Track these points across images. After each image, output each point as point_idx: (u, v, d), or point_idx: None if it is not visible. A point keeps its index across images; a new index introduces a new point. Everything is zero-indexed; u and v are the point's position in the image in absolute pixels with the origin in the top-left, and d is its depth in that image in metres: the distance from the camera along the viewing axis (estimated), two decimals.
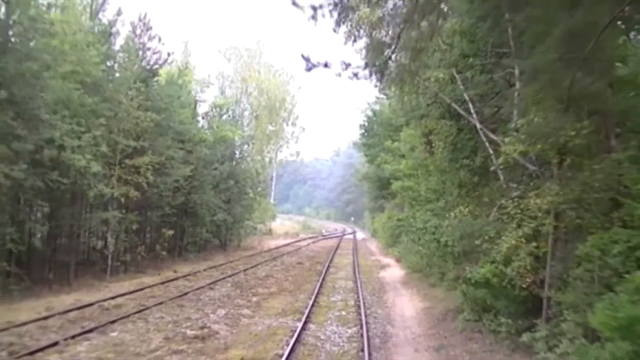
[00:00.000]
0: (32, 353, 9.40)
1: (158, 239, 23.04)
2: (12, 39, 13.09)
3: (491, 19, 9.20)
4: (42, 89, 13.40)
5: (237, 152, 33.44)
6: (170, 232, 23.15)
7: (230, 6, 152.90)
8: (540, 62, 7.14)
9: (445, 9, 8.91)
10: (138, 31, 20.31)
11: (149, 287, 17.56)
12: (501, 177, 11.63)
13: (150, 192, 19.87)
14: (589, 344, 6.71)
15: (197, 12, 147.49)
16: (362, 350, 10.55)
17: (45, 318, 12.19)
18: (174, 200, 22.32)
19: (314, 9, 7.51)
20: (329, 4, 7.55)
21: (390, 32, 8.68)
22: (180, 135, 21.98)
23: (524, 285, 8.99)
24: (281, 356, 9.80)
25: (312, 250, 38.34)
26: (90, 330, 11.30)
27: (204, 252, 29.02)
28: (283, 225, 65.54)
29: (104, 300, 14.75)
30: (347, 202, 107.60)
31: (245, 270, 23.43)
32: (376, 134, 33.31)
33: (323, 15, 7.60)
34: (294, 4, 7.34)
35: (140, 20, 20.13)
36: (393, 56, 8.49)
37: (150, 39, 20.62)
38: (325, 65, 8.17)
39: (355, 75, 9.70)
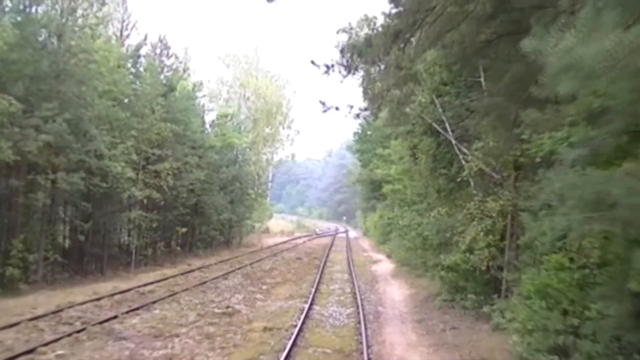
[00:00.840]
0: (100, 322, 11.95)
1: (172, 236, 25.60)
2: (67, 67, 15.55)
3: (461, 62, 11.85)
4: (89, 108, 15.89)
5: (240, 156, 36.04)
6: (184, 229, 25.73)
7: (228, 13, 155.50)
8: (492, 103, 9.77)
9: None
10: (158, 50, 22.88)
11: (172, 277, 20.11)
12: (472, 184, 14.34)
13: (169, 194, 22.44)
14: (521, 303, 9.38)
15: (196, 18, 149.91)
16: (359, 323, 13.20)
17: (97, 299, 14.75)
18: (188, 201, 24.92)
19: (327, 67, 10.12)
20: (339, 64, 10.18)
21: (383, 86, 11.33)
22: (194, 142, 24.60)
23: (483, 269, 11.70)
24: (296, 326, 12.41)
25: (309, 247, 40.98)
26: (137, 309, 13.87)
27: (211, 248, 31.60)
28: (278, 224, 68.10)
29: (138, 287, 17.30)
30: (339, 202, 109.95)
31: (251, 264, 26.03)
32: (369, 141, 36.14)
33: (334, 71, 10.24)
34: (313, 63, 9.94)
35: (160, 40, 22.72)
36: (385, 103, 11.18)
37: (168, 57, 23.23)
38: (337, 108, 10.84)
39: (357, 115, 12.67)
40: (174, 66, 23.53)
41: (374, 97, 11.55)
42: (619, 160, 5.19)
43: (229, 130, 32.06)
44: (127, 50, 21.81)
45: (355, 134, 39.61)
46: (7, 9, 14.38)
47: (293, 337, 11.17)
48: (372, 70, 11.10)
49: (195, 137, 24.51)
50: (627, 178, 4.51)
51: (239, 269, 24.01)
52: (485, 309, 11.88)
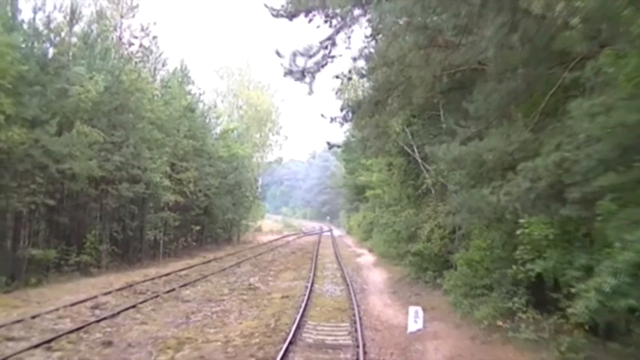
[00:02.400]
0: (166, 292, 16.65)
1: (188, 233, 30.23)
2: (127, 103, 20.11)
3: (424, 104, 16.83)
4: (139, 133, 20.52)
5: (240, 164, 40.75)
6: (197, 227, 30.39)
7: (218, 26, 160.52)
8: (448, 130, 14.81)
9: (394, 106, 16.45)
10: (179, 78, 27.50)
11: (196, 265, 24.81)
12: (432, 192, 19.39)
13: (189, 198, 27.12)
14: (457, 272, 14.37)
15: (189, 31, 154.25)
16: (350, 293, 18.10)
17: (151, 279, 19.42)
18: (202, 203, 29.60)
19: (332, 119, 15.21)
20: (340, 117, 15.19)
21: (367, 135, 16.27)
22: (208, 154, 29.31)
23: (439, 253, 16.74)
24: (304, 295, 17.24)
25: (299, 244, 45.82)
26: (185, 285, 18.61)
27: (217, 243, 36.31)
28: (266, 224, 72.73)
29: (175, 271, 21.98)
30: (323, 203, 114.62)
31: (255, 256, 30.81)
32: (354, 151, 41.14)
33: (335, 122, 15.25)
34: (322, 116, 14.81)
35: (181, 70, 27.35)
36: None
37: (189, 83, 27.87)
38: (338, 146, 15.52)
39: (341, 123, 17.66)
40: (192, 91, 28.24)
41: (361, 139, 16.53)
42: (484, 184, 10.13)
43: (233, 142, 36.80)
44: (159, 81, 26.39)
45: (342, 144, 44.62)
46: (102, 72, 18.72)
47: (305, 300, 16.00)
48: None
49: (210, 150, 29.25)
50: (485, 196, 9.44)
51: (246, 260, 28.77)
52: (439, 280, 16.88)
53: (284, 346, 10.39)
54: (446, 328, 12.26)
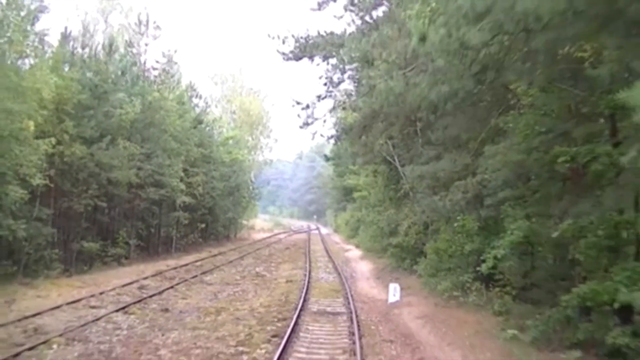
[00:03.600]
0: (191, 277, 20.27)
1: (195, 230, 33.78)
2: (154, 120, 23.61)
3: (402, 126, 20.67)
4: (161, 144, 24.09)
5: (239, 167, 44.42)
6: (203, 225, 33.95)
7: (212, 31, 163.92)
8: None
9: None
10: (189, 94, 31.07)
11: (206, 258, 28.38)
12: (410, 195, 23.25)
13: (198, 199, 30.69)
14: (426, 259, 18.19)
15: (183, 37, 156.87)
16: (341, 279, 21.89)
17: (174, 268, 22.96)
18: (207, 204, 33.18)
19: (329, 137, 18.87)
20: (335, 137, 18.78)
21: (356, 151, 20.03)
22: (214, 160, 32.92)
23: (412, 244, 20.60)
24: (305, 280, 20.97)
25: (291, 240, 49.52)
26: (205, 272, 22.22)
27: (217, 240, 39.88)
28: (258, 222, 76.23)
29: (191, 262, 25.53)
30: (310, 202, 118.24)
31: (254, 251, 34.47)
32: (343, 157, 45.00)
33: (333, 140, 18.88)
34: (321, 135, 18.71)
35: (191, 87, 30.90)
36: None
37: (196, 97, 31.50)
38: (333, 158, 19.27)
39: (335, 141, 21.39)
40: (200, 105, 31.83)
41: (352, 154, 20.37)
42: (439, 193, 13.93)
43: (233, 147, 40.41)
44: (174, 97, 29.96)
45: (332, 150, 48.60)
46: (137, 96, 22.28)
47: (306, 284, 19.71)
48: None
49: (215, 156, 32.83)
50: (438, 201, 13.21)
51: (247, 254, 32.41)
52: (415, 267, 20.72)
53: (296, 312, 14.08)
54: (417, 299, 16.14)
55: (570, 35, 6.34)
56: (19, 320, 11.82)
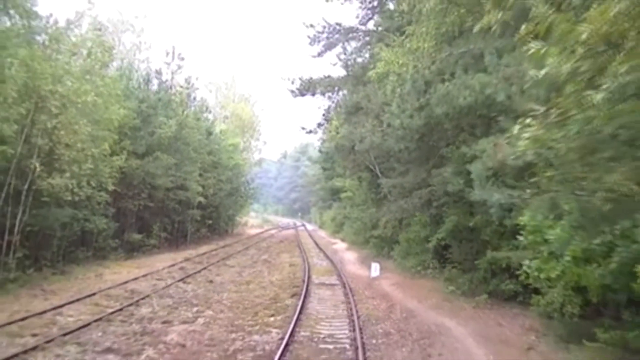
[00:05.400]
0: (215, 262, 25.63)
1: (203, 225, 39.04)
2: (181, 135, 28.84)
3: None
4: (186, 155, 29.35)
5: (239, 171, 49.82)
6: (210, 221, 39.23)
7: (204, 38, 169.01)
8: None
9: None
10: (199, 107, 36.29)
11: (217, 249, 33.68)
12: (388, 196, 28.94)
13: (209, 199, 35.95)
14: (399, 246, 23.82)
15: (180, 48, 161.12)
16: (333, 264, 27.47)
17: (196, 256, 28.22)
18: (215, 203, 38.47)
19: (325, 154, 24.27)
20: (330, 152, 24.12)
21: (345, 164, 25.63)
22: (222, 165, 38.24)
23: (390, 236, 26.26)
24: (304, 264, 26.44)
25: (282, 235, 54.97)
26: (223, 259, 27.58)
27: (219, 235, 45.15)
28: (249, 220, 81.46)
29: (207, 252, 30.79)
30: (294, 200, 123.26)
31: (254, 244, 39.84)
32: (333, 161, 50.70)
33: (329, 158, 24.28)
34: (320, 151, 24.00)
35: (202, 103, 36.15)
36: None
37: (206, 111, 36.68)
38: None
39: (328, 158, 27.01)
40: (210, 117, 36.92)
41: (343, 167, 26.10)
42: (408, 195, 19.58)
43: (234, 153, 45.77)
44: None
45: (322, 153, 54.28)
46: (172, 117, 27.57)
47: (306, 267, 25.19)
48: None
49: (223, 162, 38.13)
50: (403, 204, 18.80)
51: (250, 246, 37.78)
52: (391, 253, 26.43)
53: (305, 283, 19.60)
54: (392, 274, 21.84)
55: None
56: (118, 285, 17.13)
